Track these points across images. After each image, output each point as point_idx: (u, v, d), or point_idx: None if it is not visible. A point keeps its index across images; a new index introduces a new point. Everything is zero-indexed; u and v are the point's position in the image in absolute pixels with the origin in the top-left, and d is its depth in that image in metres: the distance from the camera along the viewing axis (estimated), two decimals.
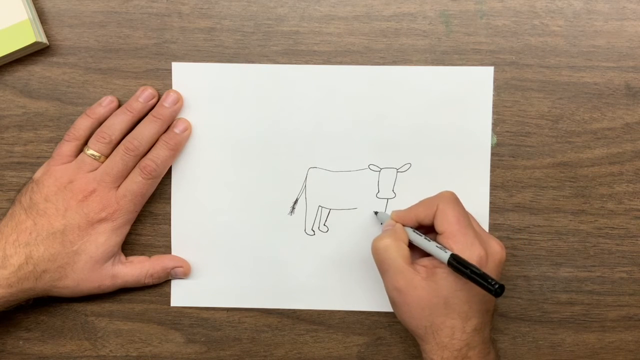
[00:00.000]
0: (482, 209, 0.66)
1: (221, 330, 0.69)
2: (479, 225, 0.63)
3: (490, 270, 0.59)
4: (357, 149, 0.67)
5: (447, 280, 0.58)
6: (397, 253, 0.60)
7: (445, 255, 0.58)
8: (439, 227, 0.60)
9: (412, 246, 0.62)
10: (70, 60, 0.67)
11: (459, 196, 0.62)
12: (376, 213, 0.67)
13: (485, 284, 0.55)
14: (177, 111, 0.66)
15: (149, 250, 0.68)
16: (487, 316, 0.60)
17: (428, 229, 0.62)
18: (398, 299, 0.60)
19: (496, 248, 0.60)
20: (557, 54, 0.66)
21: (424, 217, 0.62)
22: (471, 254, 0.58)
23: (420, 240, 0.61)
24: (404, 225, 0.63)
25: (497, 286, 0.54)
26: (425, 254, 0.61)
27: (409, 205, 0.64)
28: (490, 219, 0.67)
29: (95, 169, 0.64)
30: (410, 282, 0.59)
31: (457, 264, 0.57)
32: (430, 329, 0.59)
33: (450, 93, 0.66)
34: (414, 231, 0.62)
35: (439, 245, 0.59)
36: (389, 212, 0.66)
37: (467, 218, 0.61)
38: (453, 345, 0.58)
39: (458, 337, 0.58)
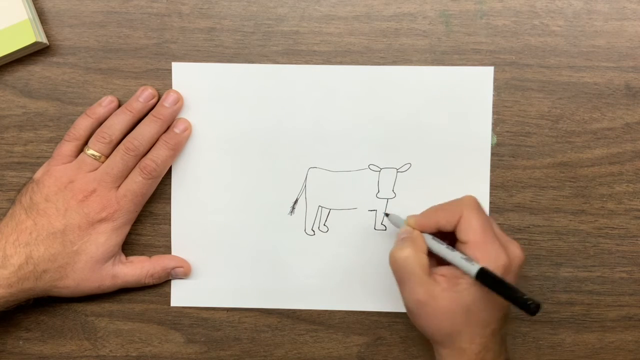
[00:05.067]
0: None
1: (221, 330, 0.69)
2: (498, 228, 0.61)
3: (513, 275, 0.58)
4: (357, 149, 0.67)
5: (470, 291, 0.57)
6: (417, 264, 0.58)
7: (473, 269, 0.56)
8: (463, 236, 0.58)
9: (428, 252, 0.60)
10: (70, 60, 0.67)
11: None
12: (387, 215, 0.66)
13: (521, 302, 0.52)
14: (177, 111, 0.66)
15: (149, 250, 0.68)
16: (504, 319, 0.59)
17: (443, 234, 0.61)
18: (418, 310, 0.58)
19: (517, 252, 0.59)
20: (557, 54, 0.66)
21: (446, 224, 0.60)
22: (497, 264, 0.57)
23: (443, 250, 0.59)
24: (421, 231, 0.61)
25: (533, 306, 0.51)
26: (441, 259, 0.60)
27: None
28: None
29: (96, 169, 0.64)
30: (430, 293, 0.57)
31: (488, 279, 0.55)
32: (449, 336, 0.58)
33: (450, 93, 0.66)
34: (433, 238, 0.60)
35: (464, 257, 0.57)
36: (389, 212, 0.66)
37: (491, 226, 0.59)
38: (472, 350, 0.58)
39: (477, 341, 0.58)
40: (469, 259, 0.57)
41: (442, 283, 0.58)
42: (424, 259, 0.59)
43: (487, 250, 0.57)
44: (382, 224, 0.67)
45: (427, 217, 0.61)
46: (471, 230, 0.58)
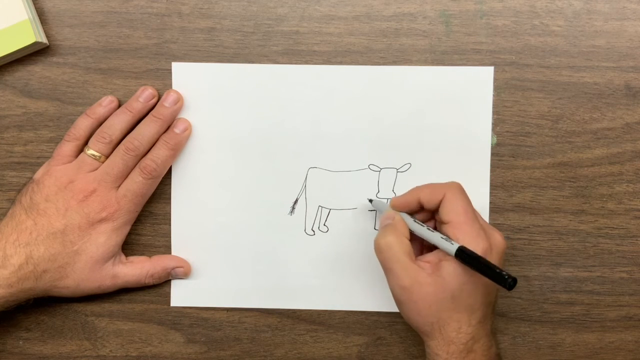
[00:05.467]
0: (482, 209, 0.66)
1: (221, 330, 0.69)
2: (481, 217, 0.63)
3: (493, 261, 0.58)
4: (357, 149, 0.67)
5: (454, 274, 0.58)
6: (401, 250, 0.59)
7: (452, 248, 0.57)
8: (445, 216, 0.59)
9: (411, 235, 0.61)
10: (70, 60, 0.67)
11: None
12: (371, 201, 0.66)
13: (499, 277, 0.54)
14: (178, 111, 0.66)
15: (149, 250, 0.68)
16: (490, 308, 0.60)
17: (424, 216, 0.62)
18: (404, 297, 0.59)
19: (498, 239, 0.60)
20: (557, 54, 0.66)
21: (428, 201, 0.61)
22: (476, 246, 0.58)
23: (423, 231, 0.60)
24: (403, 211, 0.62)
25: (510, 280, 0.54)
26: (426, 248, 0.61)
27: None
28: (490, 219, 0.67)
29: (96, 169, 0.64)
30: (415, 279, 0.58)
31: (467, 256, 0.56)
32: (436, 324, 0.58)
33: (450, 93, 0.66)
34: (415, 221, 0.61)
35: (443, 237, 0.58)
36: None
37: (473, 210, 0.60)
38: (459, 339, 0.58)
39: (464, 330, 0.58)
40: (449, 239, 0.58)
41: (427, 268, 0.59)
42: (407, 244, 0.60)
43: (467, 232, 0.58)
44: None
45: (409, 194, 0.62)
46: (453, 211, 0.59)
